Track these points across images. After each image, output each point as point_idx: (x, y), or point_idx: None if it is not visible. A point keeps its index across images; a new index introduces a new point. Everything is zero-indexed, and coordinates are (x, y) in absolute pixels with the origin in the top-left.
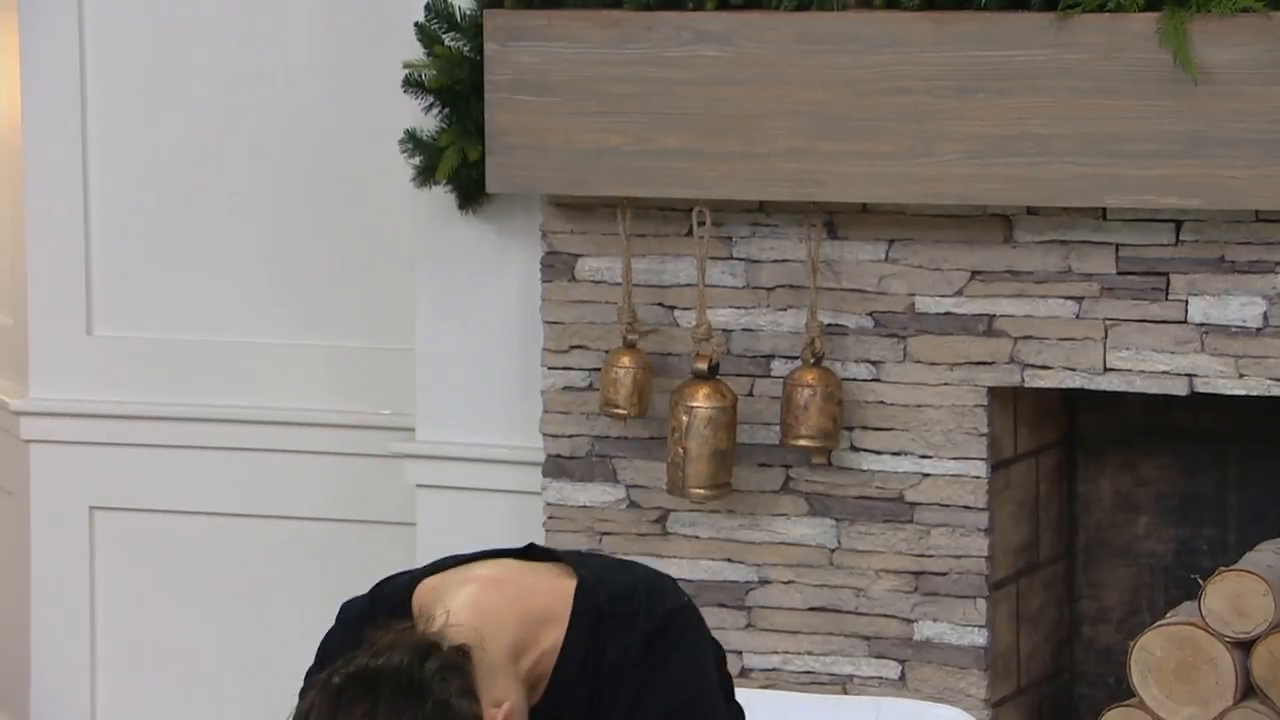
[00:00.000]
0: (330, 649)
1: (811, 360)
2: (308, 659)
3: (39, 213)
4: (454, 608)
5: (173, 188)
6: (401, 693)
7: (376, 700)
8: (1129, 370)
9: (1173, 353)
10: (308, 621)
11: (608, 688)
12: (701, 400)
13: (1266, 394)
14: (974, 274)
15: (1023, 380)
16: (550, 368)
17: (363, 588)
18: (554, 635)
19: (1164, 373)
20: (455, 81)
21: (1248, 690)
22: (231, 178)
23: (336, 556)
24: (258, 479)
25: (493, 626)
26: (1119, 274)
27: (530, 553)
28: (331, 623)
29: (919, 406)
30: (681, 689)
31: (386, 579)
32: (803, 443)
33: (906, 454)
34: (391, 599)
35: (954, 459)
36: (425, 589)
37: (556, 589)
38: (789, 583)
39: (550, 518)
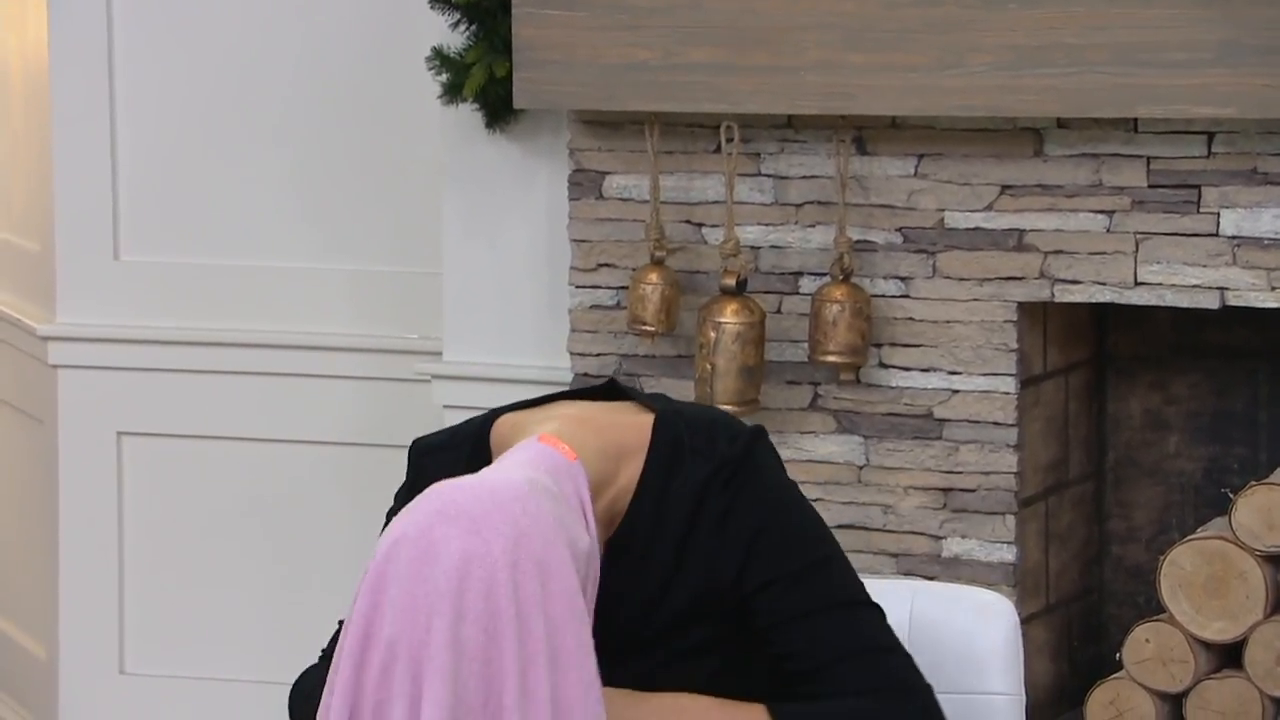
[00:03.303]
0: (402, 492)
1: (840, 276)
2: (332, 580)
3: (65, 139)
4: None
5: (198, 113)
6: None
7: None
8: (1160, 284)
9: (1204, 266)
10: (333, 545)
11: (691, 514)
12: (729, 316)
13: None
14: (1004, 188)
15: (1053, 295)
16: (577, 286)
17: (378, 518)
18: (632, 470)
19: (1195, 286)
20: None
21: (1278, 604)
22: (256, 101)
23: (363, 480)
24: (284, 403)
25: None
26: (1150, 187)
27: (608, 390)
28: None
29: (948, 323)
30: (771, 501)
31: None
32: (831, 359)
33: (935, 370)
34: (467, 432)
35: (983, 375)
36: (504, 424)
37: (635, 424)
38: (817, 500)
39: None
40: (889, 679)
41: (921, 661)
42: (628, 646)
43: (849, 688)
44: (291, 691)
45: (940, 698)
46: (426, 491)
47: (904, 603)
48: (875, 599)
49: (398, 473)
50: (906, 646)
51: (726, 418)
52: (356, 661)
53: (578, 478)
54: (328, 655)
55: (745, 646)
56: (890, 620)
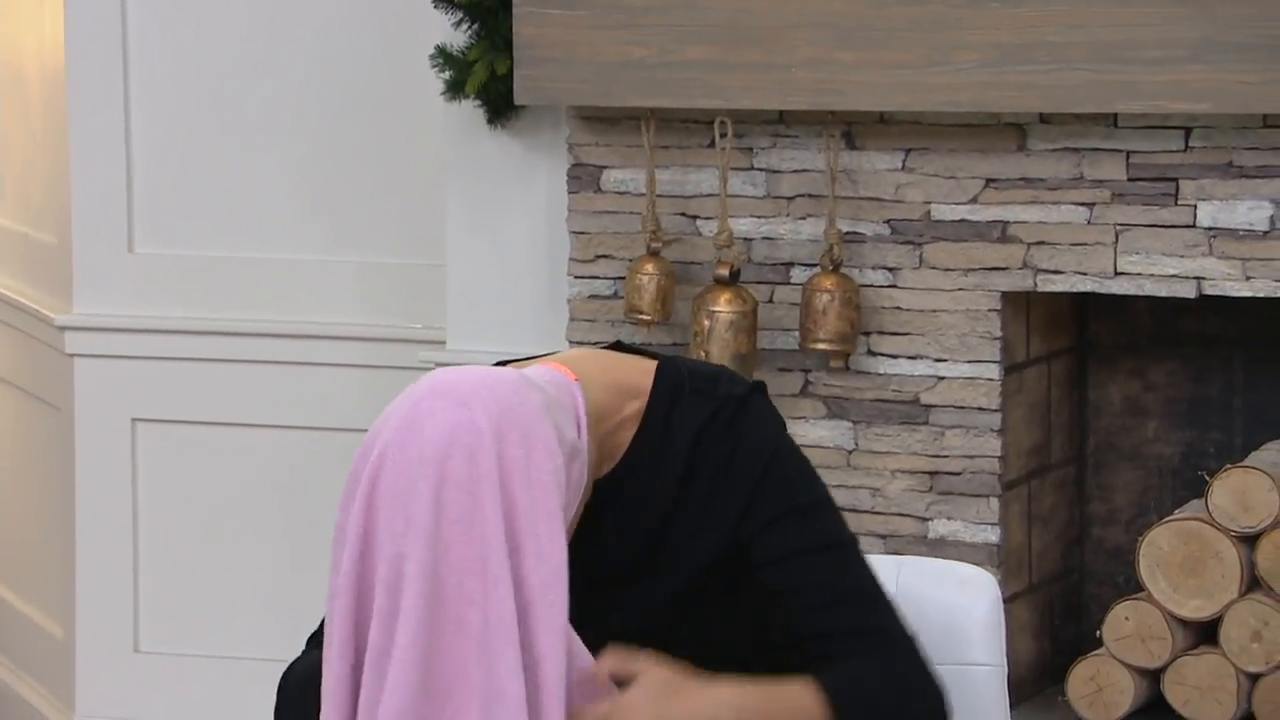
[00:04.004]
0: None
1: (830, 267)
2: None
3: (81, 137)
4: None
5: (210, 111)
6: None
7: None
8: (1139, 274)
9: (1181, 256)
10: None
11: (690, 453)
12: (723, 305)
13: (1272, 295)
14: (988, 182)
15: (1035, 285)
16: (576, 277)
17: None
18: (634, 408)
19: (1173, 276)
20: None
21: (1253, 582)
22: (266, 99)
23: None
24: (293, 391)
25: (582, 387)
26: (1129, 180)
27: (613, 348)
28: None
29: (934, 311)
30: (773, 443)
31: None
32: (821, 346)
33: (922, 358)
34: None
35: (968, 362)
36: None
37: (639, 366)
38: None
39: None
40: (883, 623)
41: None
42: (624, 582)
43: (842, 629)
44: (281, 680)
45: None
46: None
47: (890, 577)
48: None
49: None
50: None
51: (729, 370)
52: (348, 517)
53: (576, 395)
54: (316, 641)
55: (737, 590)
56: None
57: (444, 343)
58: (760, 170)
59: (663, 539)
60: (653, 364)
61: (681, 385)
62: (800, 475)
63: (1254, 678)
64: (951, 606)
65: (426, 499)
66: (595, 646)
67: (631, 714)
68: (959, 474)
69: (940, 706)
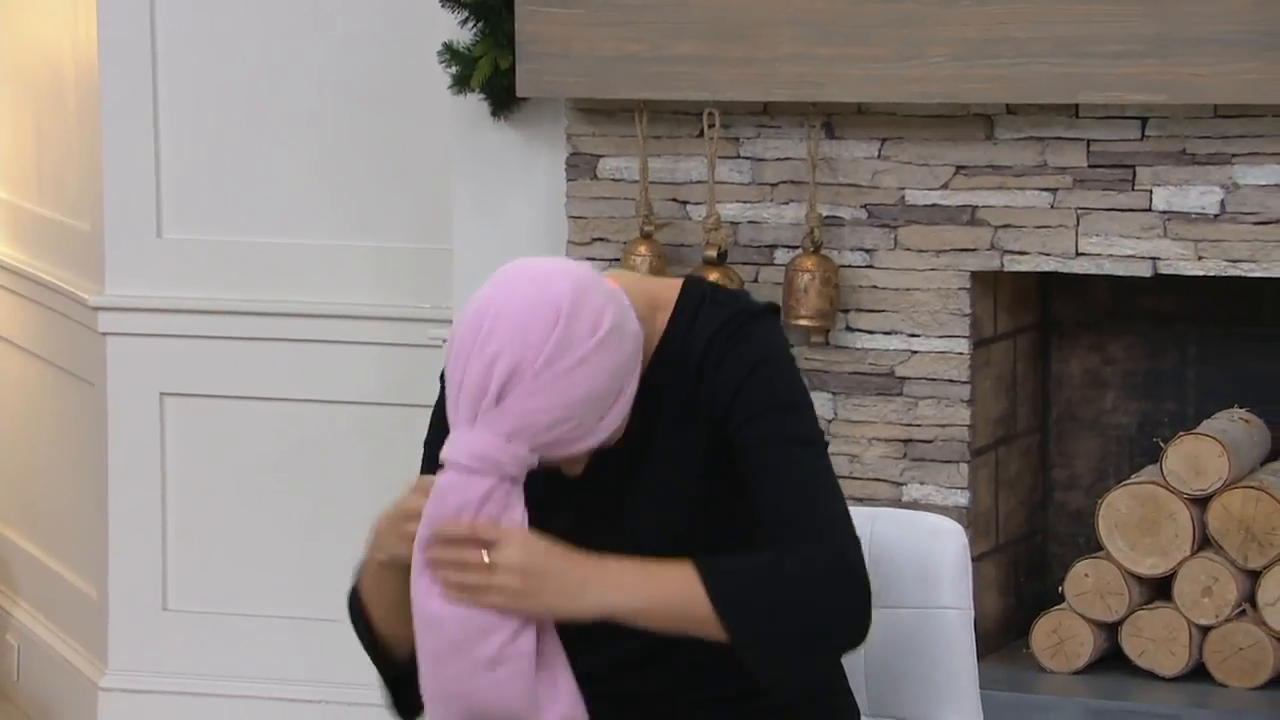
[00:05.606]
0: (437, 406)
1: (811, 249)
2: (355, 525)
3: (114, 130)
4: None
5: (234, 106)
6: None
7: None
8: (1099, 254)
9: (1138, 238)
10: (355, 493)
11: (702, 356)
12: None
13: (1223, 274)
14: (958, 168)
15: (1002, 265)
16: (574, 258)
17: (407, 464)
18: (661, 319)
19: (1130, 256)
20: None
21: (1204, 541)
22: (285, 94)
23: (382, 436)
24: (311, 367)
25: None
26: (1090, 167)
27: None
28: (377, 493)
29: (908, 290)
30: (769, 346)
31: None
32: (803, 323)
33: (896, 333)
34: None
35: (939, 337)
36: None
37: (668, 283)
38: None
39: None
40: (821, 520)
41: (880, 579)
42: (639, 482)
43: (784, 517)
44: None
45: (897, 611)
46: None
47: (864, 527)
48: None
49: (414, 428)
50: (867, 566)
51: (749, 293)
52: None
53: (622, 297)
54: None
55: (730, 497)
56: None
57: (451, 321)
58: (746, 158)
59: (672, 443)
60: (679, 281)
61: (704, 299)
62: (788, 379)
63: (1205, 630)
64: (922, 554)
65: (523, 324)
66: (615, 539)
67: (509, 552)
68: (931, 442)
69: (853, 608)
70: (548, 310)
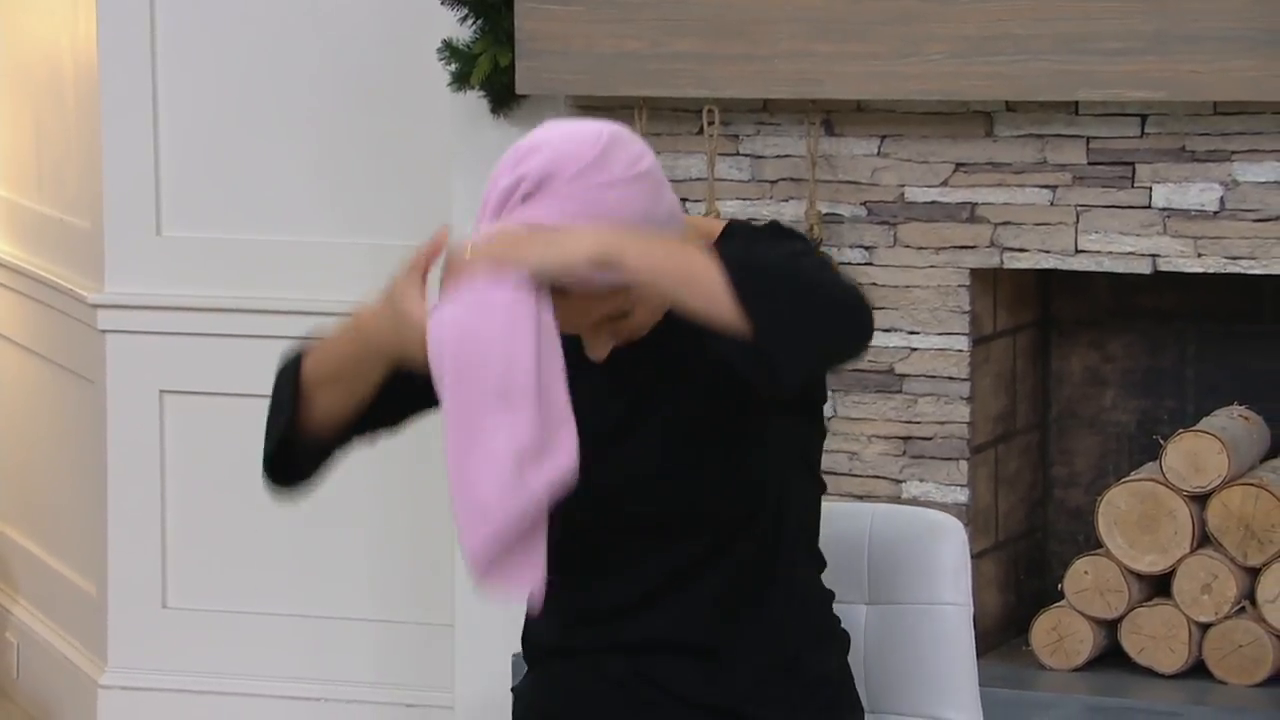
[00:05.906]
0: None
1: None
2: (353, 521)
3: (113, 129)
4: None
5: (232, 104)
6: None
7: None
8: (1098, 251)
9: (1138, 235)
10: (353, 490)
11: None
12: None
13: (1222, 271)
14: (958, 166)
15: (1002, 262)
16: None
17: (406, 456)
18: (707, 246)
19: (1130, 254)
20: None
21: (1203, 539)
22: (284, 91)
23: None
24: None
25: None
26: (1089, 164)
27: None
28: (374, 490)
29: (907, 287)
30: (784, 228)
31: None
32: None
33: (896, 330)
34: None
35: (939, 334)
36: None
37: (713, 222)
38: None
39: None
40: (825, 263)
41: (879, 575)
42: (659, 406)
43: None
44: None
45: (896, 607)
46: None
47: (864, 522)
48: (840, 519)
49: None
50: (865, 561)
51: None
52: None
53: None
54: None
55: (751, 444)
56: (851, 538)
57: None
58: (745, 156)
59: (700, 372)
60: (723, 221)
61: (744, 231)
62: (803, 239)
63: (1204, 627)
64: (922, 550)
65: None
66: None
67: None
68: (930, 439)
69: (858, 315)
70: (589, 135)
